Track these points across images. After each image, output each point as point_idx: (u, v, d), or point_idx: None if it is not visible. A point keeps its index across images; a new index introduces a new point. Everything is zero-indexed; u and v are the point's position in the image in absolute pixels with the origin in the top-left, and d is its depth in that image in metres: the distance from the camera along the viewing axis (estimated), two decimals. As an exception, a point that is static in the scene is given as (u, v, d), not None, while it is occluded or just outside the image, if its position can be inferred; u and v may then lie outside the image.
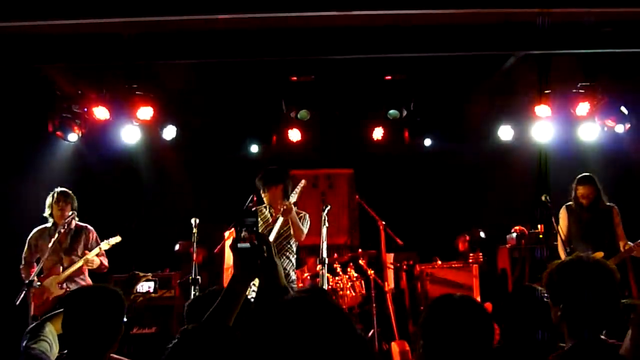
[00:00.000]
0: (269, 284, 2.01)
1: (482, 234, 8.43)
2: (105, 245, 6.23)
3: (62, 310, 2.77)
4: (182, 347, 1.94)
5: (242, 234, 2.03)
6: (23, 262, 6.11)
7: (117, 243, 6.33)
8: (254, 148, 8.51)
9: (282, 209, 5.57)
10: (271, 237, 5.66)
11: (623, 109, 7.59)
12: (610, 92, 7.68)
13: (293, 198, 5.74)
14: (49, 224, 6.15)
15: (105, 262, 6.29)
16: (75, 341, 2.62)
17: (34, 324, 2.85)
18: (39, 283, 5.84)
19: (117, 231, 6.40)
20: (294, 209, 5.84)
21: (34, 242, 6.12)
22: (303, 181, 5.85)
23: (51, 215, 6.11)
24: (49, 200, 6.12)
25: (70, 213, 6.00)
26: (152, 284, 6.84)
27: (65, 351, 2.68)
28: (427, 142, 8.58)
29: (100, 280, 6.26)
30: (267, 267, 2.02)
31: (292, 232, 5.75)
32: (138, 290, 5.91)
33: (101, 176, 8.35)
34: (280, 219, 5.70)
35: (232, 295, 2.05)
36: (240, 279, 2.07)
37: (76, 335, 2.62)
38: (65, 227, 5.99)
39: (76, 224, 6.24)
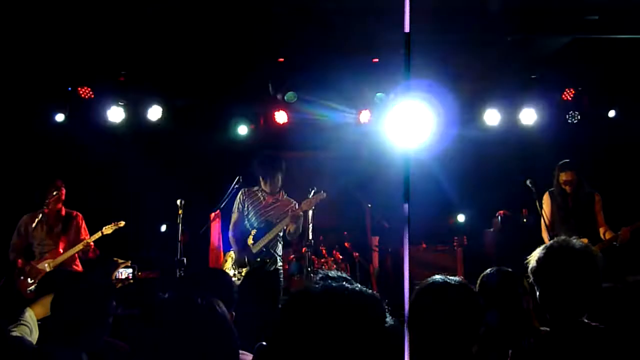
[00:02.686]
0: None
1: (460, 219, 8.56)
2: (107, 229, 6.23)
3: (43, 297, 2.80)
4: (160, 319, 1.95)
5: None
6: (11, 248, 6.08)
7: (118, 228, 6.32)
8: (241, 130, 8.47)
9: (291, 214, 5.80)
10: (271, 232, 5.86)
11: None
12: (595, 78, 7.73)
13: (307, 207, 5.89)
14: (38, 210, 6.10)
15: (95, 249, 6.27)
16: (60, 327, 2.63)
17: (14, 310, 2.85)
18: (29, 266, 5.92)
19: (105, 214, 6.38)
20: (285, 196, 5.94)
21: (23, 228, 6.09)
22: (324, 194, 5.92)
23: (40, 200, 6.07)
24: (37, 185, 6.09)
25: (54, 192, 5.97)
26: (130, 270, 6.82)
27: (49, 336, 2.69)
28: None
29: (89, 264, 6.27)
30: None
31: (289, 229, 5.87)
32: (117, 277, 5.90)
33: (86, 157, 8.27)
34: (283, 221, 5.83)
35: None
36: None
37: (61, 321, 2.63)
38: (49, 207, 5.96)
39: (66, 211, 6.24)
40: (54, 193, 5.98)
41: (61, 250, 6.04)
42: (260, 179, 6.04)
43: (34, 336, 2.76)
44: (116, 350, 2.97)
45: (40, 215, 5.92)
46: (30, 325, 2.78)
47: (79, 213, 6.32)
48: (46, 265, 5.92)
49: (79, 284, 2.74)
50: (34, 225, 5.91)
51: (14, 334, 2.66)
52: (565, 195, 6.34)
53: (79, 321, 2.63)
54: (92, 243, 6.12)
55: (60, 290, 2.70)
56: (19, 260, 5.87)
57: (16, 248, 6.05)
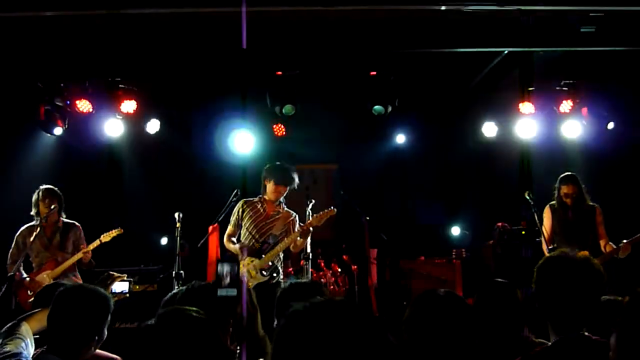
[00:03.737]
0: (248, 330, 2.03)
1: (453, 233, 8.56)
2: (105, 237, 6.19)
3: (38, 310, 2.78)
4: (157, 329, 1.92)
5: (224, 281, 2.04)
6: (10, 260, 6.02)
7: (117, 235, 6.28)
8: (241, 142, 8.46)
9: (301, 230, 5.81)
10: (280, 246, 5.87)
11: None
12: (593, 90, 7.75)
13: (316, 222, 5.86)
14: (36, 222, 6.03)
15: (92, 260, 6.23)
16: (55, 337, 2.64)
17: (10, 323, 2.83)
18: (28, 278, 5.89)
19: (102, 226, 6.35)
20: (284, 207, 5.92)
21: (21, 240, 6.02)
22: (334, 209, 5.90)
23: (37, 213, 5.99)
24: (34, 197, 6.02)
25: (52, 207, 5.93)
26: (126, 284, 6.76)
27: (45, 347, 2.68)
28: (409, 139, 8.60)
29: (85, 276, 6.23)
30: (247, 312, 2.03)
31: (297, 244, 5.87)
32: (113, 291, 5.85)
33: (85, 169, 8.27)
34: (293, 235, 5.84)
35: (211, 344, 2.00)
36: (218, 325, 2.07)
37: (57, 331, 2.64)
38: (47, 220, 5.93)
39: (63, 221, 6.18)
40: (52, 207, 5.94)
41: (59, 261, 6.01)
42: (268, 183, 5.98)
43: (29, 350, 2.74)
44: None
45: (39, 229, 5.89)
46: (25, 339, 2.76)
47: (77, 223, 6.27)
48: (45, 276, 5.89)
49: (75, 295, 2.72)
50: (32, 238, 5.87)
51: (8, 347, 2.64)
52: (566, 208, 6.32)
53: (73, 333, 2.62)
54: (89, 252, 6.08)
55: (55, 302, 2.69)
56: (17, 274, 5.83)
57: (14, 260, 6.00)
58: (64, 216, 6.19)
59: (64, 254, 6.07)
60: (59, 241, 6.10)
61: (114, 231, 6.25)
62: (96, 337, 2.70)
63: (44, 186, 6.05)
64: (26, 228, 6.08)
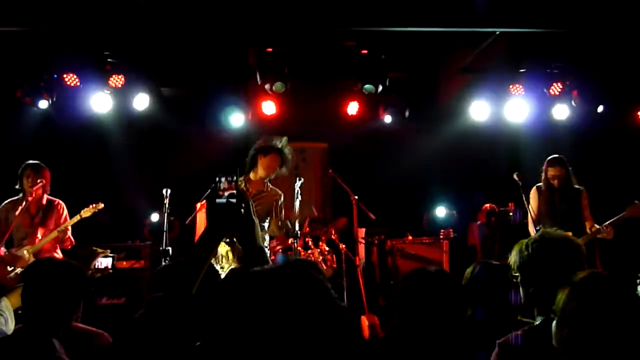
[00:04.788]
0: (245, 242, 1.93)
1: (438, 214, 8.61)
2: (86, 212, 6.10)
3: (19, 285, 2.75)
4: (149, 316, 1.88)
5: (222, 185, 1.94)
6: None
7: (99, 210, 6.19)
8: (227, 119, 8.42)
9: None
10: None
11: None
12: (583, 72, 7.75)
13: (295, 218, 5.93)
14: (19, 196, 5.98)
15: (72, 238, 6.15)
16: (31, 313, 2.60)
17: None
18: (8, 253, 5.80)
19: (89, 202, 6.29)
20: (270, 186, 5.88)
21: (4, 215, 5.95)
22: (315, 212, 5.87)
23: (22, 188, 5.94)
24: (19, 172, 5.95)
25: (39, 181, 5.87)
26: (109, 260, 6.73)
27: (20, 325, 2.65)
28: (399, 118, 8.59)
29: (69, 253, 6.19)
30: (245, 224, 1.93)
31: (272, 225, 5.84)
32: (96, 266, 5.81)
33: (71, 144, 8.20)
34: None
35: (202, 248, 1.95)
36: (213, 233, 1.95)
37: (33, 307, 2.60)
38: (32, 195, 5.87)
39: (47, 198, 6.11)
40: (38, 182, 5.87)
41: (39, 237, 5.95)
42: (261, 160, 5.86)
43: (9, 326, 2.71)
44: (97, 339, 2.93)
45: (23, 203, 5.83)
46: (5, 315, 2.73)
47: (60, 201, 6.20)
48: (25, 252, 5.82)
49: (46, 268, 2.68)
50: (16, 213, 5.81)
51: None
52: (552, 190, 6.35)
53: (46, 307, 2.57)
54: (68, 231, 6.03)
55: (26, 276, 2.65)
56: (0, 249, 5.78)
57: None
58: (49, 193, 6.12)
59: (45, 230, 6.00)
60: (41, 218, 6.02)
61: (93, 205, 6.15)
62: (74, 310, 2.66)
63: (29, 162, 5.98)
64: (9, 202, 6.01)
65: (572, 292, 2.00)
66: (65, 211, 6.21)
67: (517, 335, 2.41)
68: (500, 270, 3.14)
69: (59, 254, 6.09)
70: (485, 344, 2.61)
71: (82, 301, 2.74)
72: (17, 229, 5.91)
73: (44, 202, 6.08)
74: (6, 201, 6.04)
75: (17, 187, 5.97)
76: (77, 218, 6.07)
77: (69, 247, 6.13)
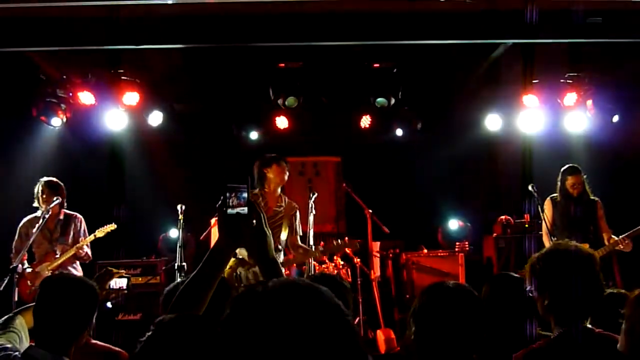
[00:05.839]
0: (257, 255, 1.90)
1: (452, 227, 8.57)
2: (100, 232, 6.23)
3: (33, 303, 2.74)
4: (157, 339, 1.84)
5: (231, 201, 1.88)
6: (13, 251, 6.06)
7: (111, 230, 6.31)
8: (241, 134, 8.47)
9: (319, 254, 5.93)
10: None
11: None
12: (597, 82, 7.70)
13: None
14: (38, 213, 6.06)
15: (89, 252, 6.27)
16: (42, 330, 2.59)
17: (5, 317, 2.80)
18: (29, 269, 5.94)
19: (104, 218, 6.37)
20: (285, 199, 5.87)
21: (24, 231, 6.08)
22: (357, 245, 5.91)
23: (39, 205, 6.03)
24: (35, 190, 6.04)
25: (55, 199, 5.93)
26: (125, 280, 6.75)
27: (33, 342, 2.64)
28: (412, 131, 8.59)
29: (86, 268, 6.26)
30: (257, 236, 1.89)
31: (292, 242, 5.89)
32: (111, 287, 5.87)
33: (86, 162, 8.26)
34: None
35: (213, 262, 1.92)
36: (225, 245, 1.91)
37: (43, 323, 2.59)
38: (49, 213, 5.92)
39: (65, 213, 6.21)
40: (55, 199, 5.94)
41: (59, 253, 6.04)
42: (270, 171, 5.83)
43: (23, 344, 2.70)
44: (115, 357, 2.93)
45: (41, 220, 5.88)
46: (19, 333, 2.72)
47: (78, 215, 6.31)
48: (44, 268, 5.92)
49: (58, 285, 2.67)
50: (34, 229, 5.88)
51: (0, 341, 2.60)
52: (568, 200, 6.30)
53: (56, 323, 2.56)
54: (83, 249, 6.11)
55: (39, 293, 2.64)
56: (19, 265, 5.84)
57: (18, 251, 6.03)
58: (65, 207, 6.21)
59: (64, 245, 6.10)
60: (60, 233, 6.13)
61: (108, 227, 6.27)
62: (85, 328, 2.64)
63: (45, 179, 6.08)
64: (28, 220, 6.12)
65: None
66: (84, 224, 6.32)
67: (533, 348, 2.39)
68: (518, 282, 3.11)
69: (78, 269, 6.21)
70: (502, 356, 2.58)
71: (96, 318, 2.72)
72: (38, 245, 6.05)
73: (62, 216, 6.18)
74: (26, 218, 6.14)
75: (34, 205, 6.05)
76: (91, 238, 6.19)
77: (87, 261, 6.27)
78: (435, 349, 2.24)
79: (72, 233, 6.19)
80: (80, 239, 6.18)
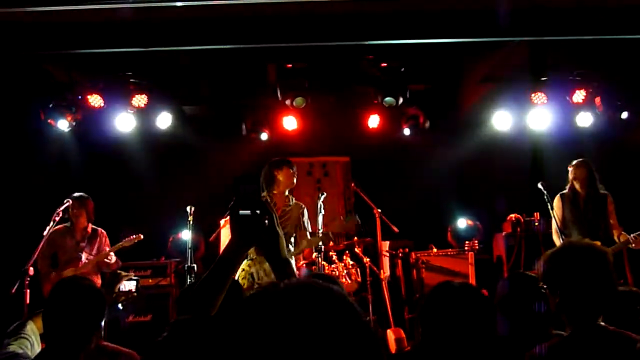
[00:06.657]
0: (269, 255, 1.90)
1: (461, 226, 8.55)
2: (127, 242, 6.51)
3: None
4: (172, 340, 1.84)
5: (243, 201, 1.88)
6: (41, 257, 6.14)
7: (138, 241, 6.58)
8: (249, 135, 8.48)
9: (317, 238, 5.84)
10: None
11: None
12: (606, 79, 7.67)
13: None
14: (68, 224, 6.38)
15: (118, 260, 6.56)
16: (51, 334, 2.59)
17: (16, 323, 2.81)
18: (54, 273, 6.21)
19: (114, 222, 6.51)
20: (293, 199, 5.88)
21: (53, 238, 6.19)
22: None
23: (68, 216, 6.31)
24: (65, 204, 6.18)
25: (82, 211, 6.32)
26: (134, 283, 6.80)
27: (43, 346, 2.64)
28: (420, 130, 8.59)
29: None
30: (269, 236, 1.89)
31: (302, 240, 5.88)
32: (120, 289, 5.93)
33: (96, 164, 8.30)
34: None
35: (226, 263, 1.92)
36: (237, 246, 1.91)
37: (53, 327, 2.59)
38: (76, 224, 6.37)
39: (92, 227, 6.55)
40: (82, 212, 6.32)
41: (84, 261, 6.32)
42: (281, 173, 5.85)
43: (35, 349, 2.70)
44: (126, 358, 2.94)
45: (70, 231, 6.33)
46: (31, 339, 2.72)
47: (102, 230, 6.61)
48: (70, 273, 6.08)
49: (66, 289, 2.68)
50: (61, 237, 6.27)
51: (11, 348, 2.61)
52: (577, 196, 6.27)
53: (65, 327, 2.56)
54: (110, 256, 6.40)
55: (49, 298, 2.65)
56: (30, 269, 5.86)
57: (45, 255, 6.20)
58: (93, 221, 6.53)
59: (88, 255, 6.43)
60: (86, 244, 6.45)
61: (134, 237, 6.55)
62: (94, 332, 2.63)
63: (74, 194, 6.35)
64: (59, 228, 6.31)
65: None
66: (106, 238, 6.63)
67: (545, 346, 2.37)
68: (528, 280, 3.09)
69: (98, 278, 6.43)
70: (515, 356, 2.57)
71: (106, 322, 2.73)
72: (64, 252, 6.32)
73: (89, 230, 6.51)
74: (57, 226, 6.24)
75: (65, 216, 6.24)
76: (119, 246, 6.47)
77: (116, 268, 6.46)
78: (444, 348, 2.24)
79: (97, 245, 6.51)
80: (103, 251, 6.49)
